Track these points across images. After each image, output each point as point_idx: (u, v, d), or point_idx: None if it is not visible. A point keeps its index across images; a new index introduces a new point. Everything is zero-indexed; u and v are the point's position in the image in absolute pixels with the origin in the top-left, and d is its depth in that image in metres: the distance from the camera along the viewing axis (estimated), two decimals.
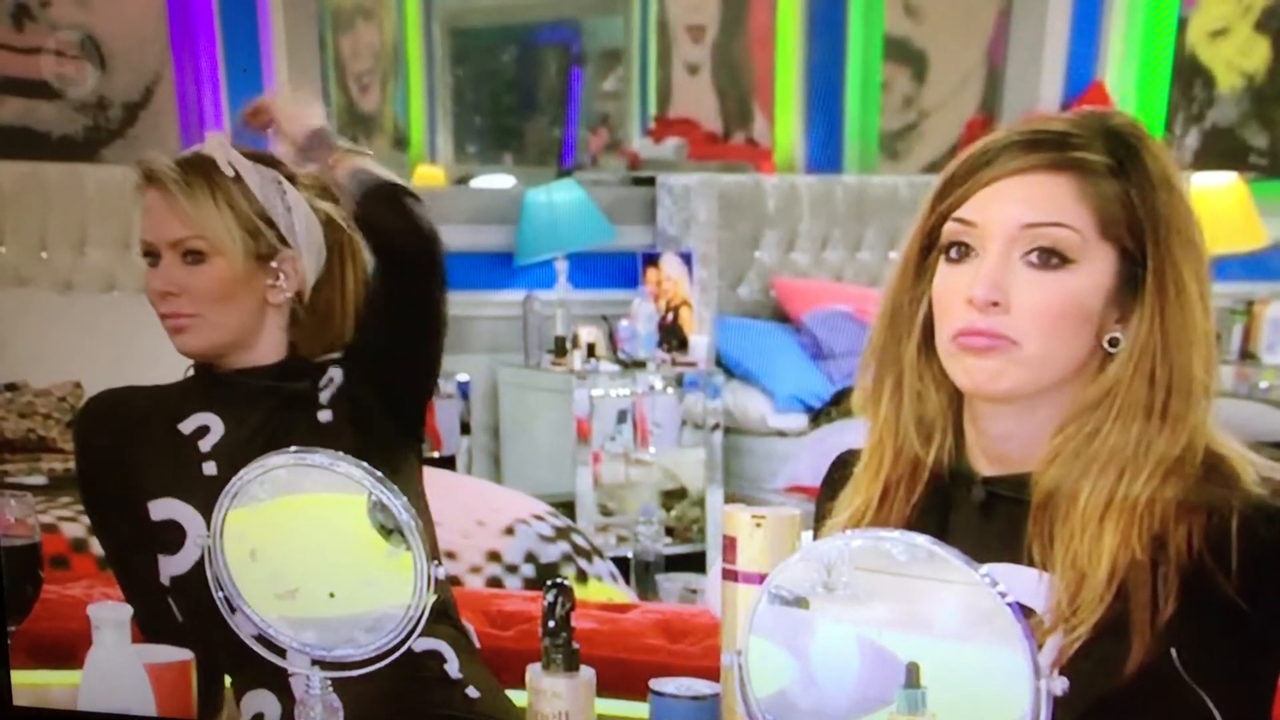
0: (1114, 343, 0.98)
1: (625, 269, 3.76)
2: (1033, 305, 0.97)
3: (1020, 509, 1.00)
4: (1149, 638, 0.94)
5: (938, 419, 1.03)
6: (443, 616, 1.40)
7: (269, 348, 1.41)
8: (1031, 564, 0.98)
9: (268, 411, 1.39)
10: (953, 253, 0.99)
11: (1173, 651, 0.94)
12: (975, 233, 0.98)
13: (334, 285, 1.44)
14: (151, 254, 1.38)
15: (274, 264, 1.38)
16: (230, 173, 1.36)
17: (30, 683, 1.39)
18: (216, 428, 1.38)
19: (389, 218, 1.38)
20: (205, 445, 1.37)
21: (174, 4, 3.33)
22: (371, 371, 1.41)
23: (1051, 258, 0.97)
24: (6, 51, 3.17)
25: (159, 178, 1.36)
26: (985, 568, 0.99)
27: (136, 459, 1.38)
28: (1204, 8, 3.82)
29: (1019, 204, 0.97)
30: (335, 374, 1.42)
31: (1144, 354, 0.97)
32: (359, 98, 4.15)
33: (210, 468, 1.35)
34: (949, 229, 0.99)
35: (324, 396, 1.41)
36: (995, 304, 0.97)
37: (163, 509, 1.36)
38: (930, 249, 1.02)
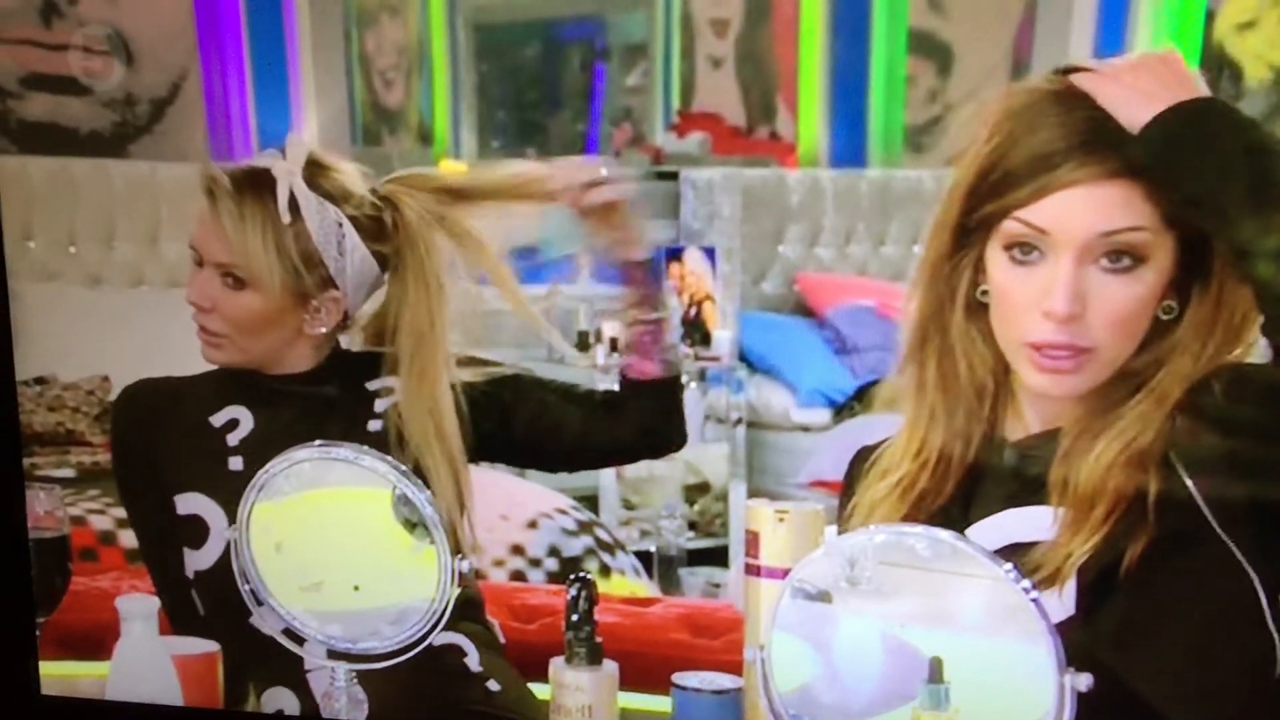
0: (1169, 310, 0.99)
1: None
2: (1109, 310, 0.97)
3: (1052, 459, 1.00)
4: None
5: (988, 380, 1.04)
6: (469, 611, 1.40)
7: (301, 361, 1.40)
8: (1050, 502, 1.00)
9: (300, 411, 1.38)
10: (1017, 252, 0.98)
11: (1195, 493, 0.95)
12: (1046, 239, 0.97)
13: (388, 306, 1.41)
14: (196, 256, 1.37)
15: (314, 302, 1.37)
16: (287, 218, 1.33)
17: (59, 674, 1.40)
18: (246, 422, 1.38)
19: (665, 420, 1.44)
20: (233, 439, 1.38)
21: (200, 1, 3.34)
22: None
23: (1124, 259, 0.96)
24: (35, 48, 3.19)
25: (217, 195, 1.34)
26: (996, 518, 1.00)
27: (167, 450, 1.39)
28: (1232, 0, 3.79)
29: (1094, 214, 0.96)
30: (396, 385, 1.39)
31: (1202, 324, 0.98)
32: (384, 93, 4.16)
33: (236, 463, 1.36)
34: (1013, 228, 0.98)
35: (379, 405, 1.40)
36: (1073, 315, 0.97)
37: (188, 503, 1.36)
38: (972, 229, 1.02)
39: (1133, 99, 0.95)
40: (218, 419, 1.39)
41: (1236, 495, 0.95)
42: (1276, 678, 0.98)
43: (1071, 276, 0.96)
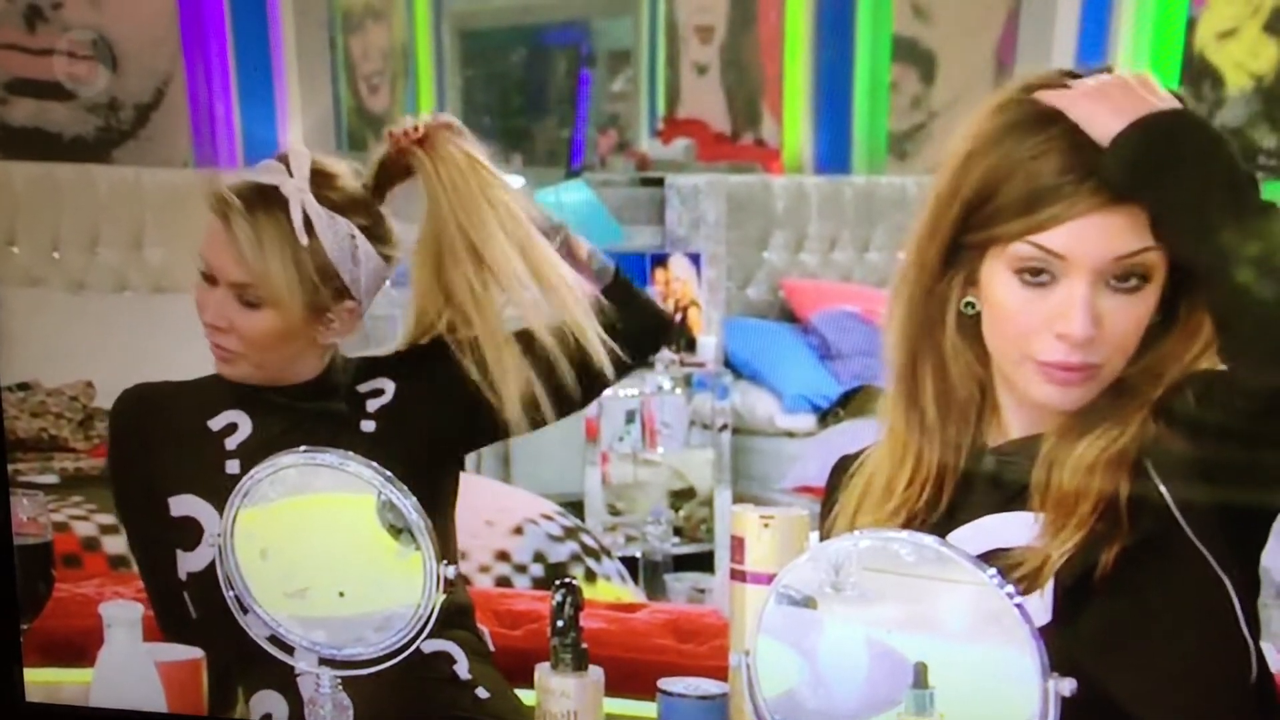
0: (1154, 314, 1.00)
1: (634, 269, 3.74)
2: (1120, 328, 0.98)
3: (1032, 464, 1.01)
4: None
5: (976, 391, 1.05)
6: (458, 619, 1.40)
7: (307, 370, 1.40)
8: (1032, 508, 1.00)
9: (298, 417, 1.38)
10: (1027, 275, 0.99)
11: (1168, 498, 0.96)
12: (1060, 264, 0.98)
13: (431, 244, 1.39)
14: (207, 275, 1.36)
15: (329, 314, 1.37)
16: (305, 240, 1.32)
17: (42, 680, 1.40)
18: (244, 426, 1.38)
19: (641, 313, 1.46)
20: (231, 443, 1.38)
21: (185, 5, 3.34)
22: (479, 387, 1.39)
23: (1133, 278, 0.98)
24: (19, 53, 3.18)
25: (230, 217, 1.32)
26: (977, 523, 1.01)
27: (164, 453, 1.39)
28: (1213, 8, 3.81)
29: (1109, 239, 0.97)
30: (386, 385, 1.41)
31: (1192, 331, 0.99)
32: (368, 98, 4.16)
33: (233, 466, 1.36)
34: (1024, 251, 0.98)
35: (371, 405, 1.40)
36: (1092, 337, 0.98)
37: (183, 505, 1.36)
38: (964, 247, 1.02)
39: (1104, 113, 0.96)
40: (216, 423, 1.39)
41: (1208, 500, 0.96)
42: (1252, 683, 0.99)
43: (1088, 300, 0.97)
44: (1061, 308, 0.97)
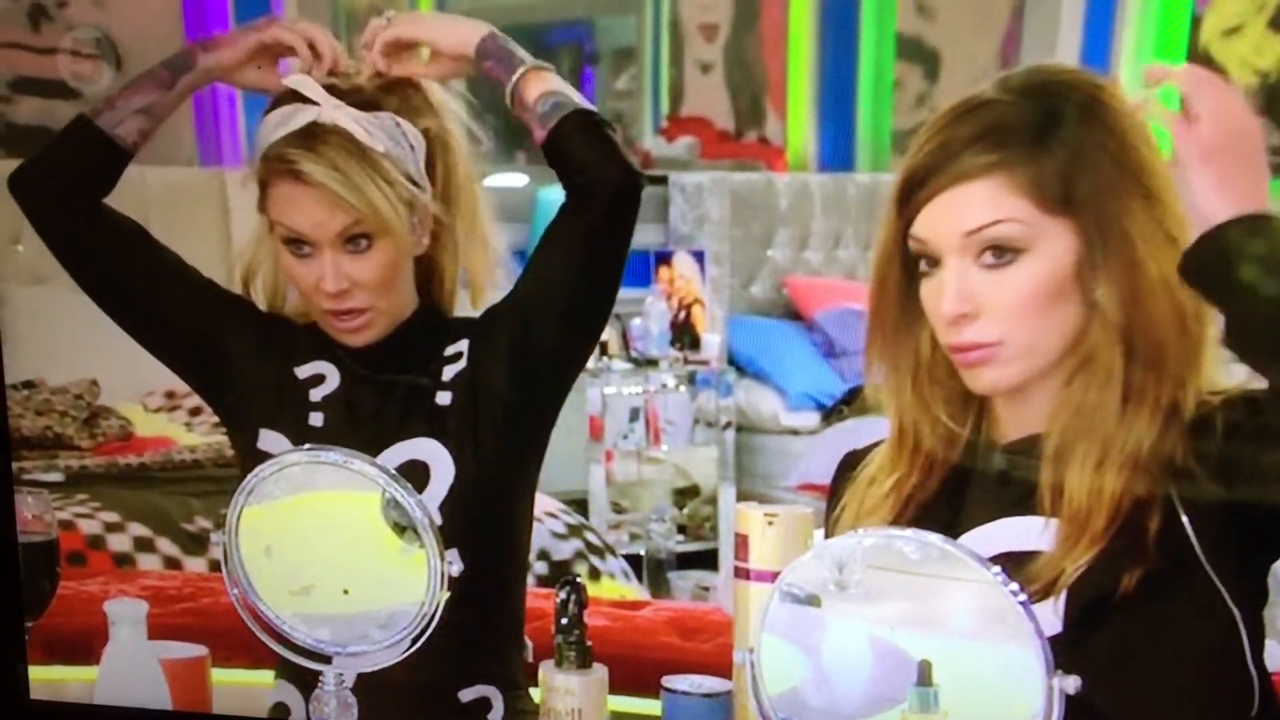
0: (1096, 294, 0.99)
1: (638, 267, 3.76)
2: (999, 304, 0.99)
3: (1036, 465, 1.01)
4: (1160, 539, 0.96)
5: (957, 394, 1.05)
6: (504, 643, 1.36)
7: (410, 302, 1.34)
8: (1042, 512, 1.00)
9: (386, 385, 1.33)
10: (924, 265, 1.02)
11: (1188, 528, 0.96)
12: (929, 248, 1.01)
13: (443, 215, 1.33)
14: (299, 242, 1.28)
15: (415, 218, 1.30)
16: (380, 147, 1.26)
17: (47, 678, 1.40)
18: (332, 379, 1.33)
19: (590, 152, 1.27)
20: (316, 395, 1.33)
21: (189, 4, 3.34)
22: (523, 334, 1.30)
23: (1003, 253, 0.98)
24: (24, 51, 3.18)
25: (302, 169, 1.24)
26: (988, 525, 1.01)
27: (260, 384, 1.34)
28: (1218, 5, 3.80)
29: (957, 215, 0.99)
30: (463, 347, 1.33)
31: (1110, 313, 0.98)
32: None
33: (316, 419, 1.32)
34: (911, 245, 1.02)
35: (447, 372, 1.33)
36: (964, 315, 0.99)
37: (271, 442, 1.31)
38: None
39: (1217, 189, 0.92)
40: (302, 371, 1.33)
41: (1229, 534, 0.96)
42: (1253, 715, 0.99)
43: (954, 279, 0.99)
44: (941, 290, 1.00)
